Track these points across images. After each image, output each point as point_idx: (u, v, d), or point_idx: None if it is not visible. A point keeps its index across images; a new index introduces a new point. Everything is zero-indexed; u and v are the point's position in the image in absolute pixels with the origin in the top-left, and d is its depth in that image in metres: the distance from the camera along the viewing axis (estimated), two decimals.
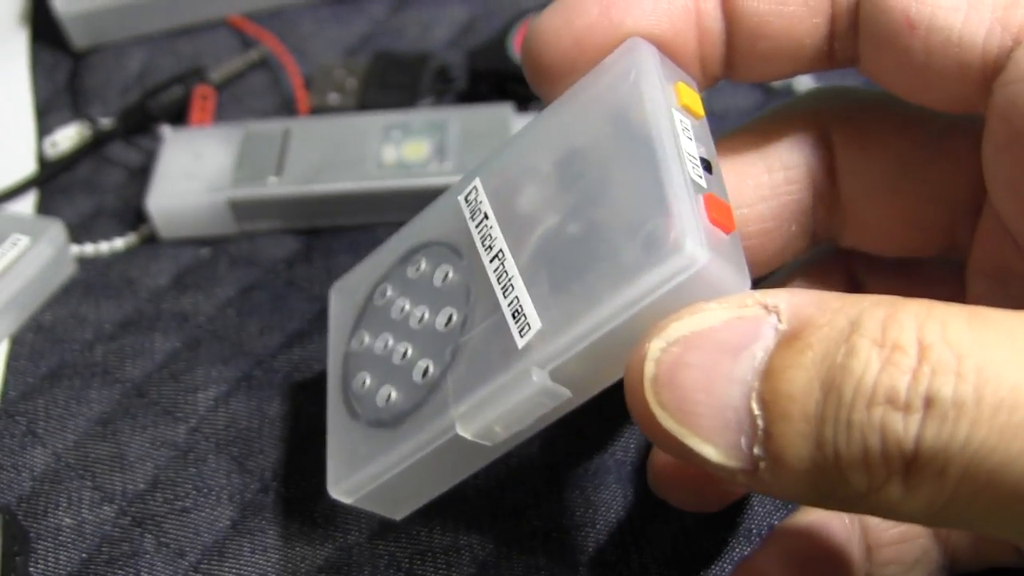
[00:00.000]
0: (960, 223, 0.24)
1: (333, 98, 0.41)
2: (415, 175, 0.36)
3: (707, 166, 0.21)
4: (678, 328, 0.19)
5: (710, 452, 0.18)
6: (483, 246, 0.23)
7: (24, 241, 0.36)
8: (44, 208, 0.40)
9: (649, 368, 0.19)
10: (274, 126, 0.38)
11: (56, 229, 0.37)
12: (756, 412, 0.18)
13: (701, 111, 0.22)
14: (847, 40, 0.22)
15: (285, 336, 0.34)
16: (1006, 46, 0.20)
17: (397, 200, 0.36)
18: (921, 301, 0.17)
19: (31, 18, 0.47)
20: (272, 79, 0.43)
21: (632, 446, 0.30)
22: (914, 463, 0.17)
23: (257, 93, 0.43)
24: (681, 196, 0.19)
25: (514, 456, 0.30)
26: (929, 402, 0.16)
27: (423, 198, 0.36)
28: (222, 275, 0.36)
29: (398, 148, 0.37)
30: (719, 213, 0.20)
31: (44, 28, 0.46)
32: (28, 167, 0.41)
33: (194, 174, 0.37)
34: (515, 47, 0.39)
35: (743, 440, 0.18)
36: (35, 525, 0.30)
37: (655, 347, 0.18)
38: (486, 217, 0.23)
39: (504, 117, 0.37)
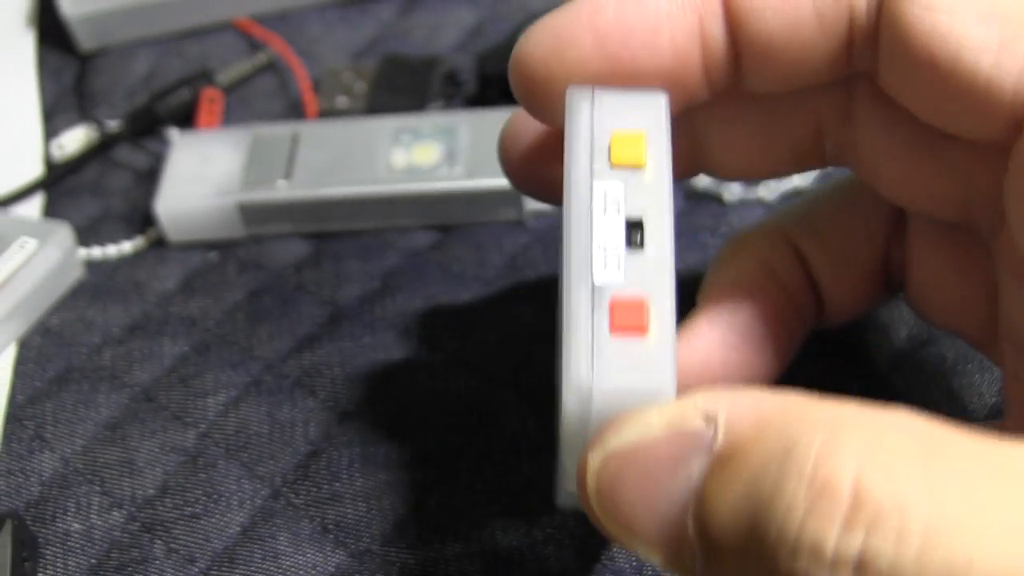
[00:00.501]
0: (977, 204, 0.23)
1: (341, 101, 0.40)
2: (425, 180, 0.36)
3: (635, 236, 0.20)
4: (615, 442, 0.18)
5: (658, 560, 0.18)
6: None
7: (31, 244, 0.36)
8: (51, 211, 0.40)
9: (591, 482, 0.18)
10: (283, 129, 0.38)
11: (64, 232, 0.36)
12: (691, 533, 0.17)
13: (642, 159, 0.20)
14: (865, 57, 0.21)
15: (295, 340, 0.34)
16: None
17: (407, 205, 0.36)
18: (871, 425, 0.16)
19: (38, 20, 0.47)
20: (280, 82, 0.43)
21: None
22: None
23: (265, 96, 0.42)
24: (575, 324, 0.19)
25: (526, 463, 0.30)
26: (861, 566, 0.14)
27: (433, 203, 0.36)
28: (231, 279, 0.36)
29: (408, 152, 0.36)
30: (628, 317, 0.19)
31: (51, 30, 0.46)
32: (35, 170, 0.41)
33: (202, 177, 0.37)
34: None
35: (686, 552, 0.17)
36: (43, 530, 0.30)
37: (594, 461, 0.18)
38: None
39: None
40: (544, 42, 0.21)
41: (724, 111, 0.24)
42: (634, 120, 0.21)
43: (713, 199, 0.36)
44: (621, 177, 0.20)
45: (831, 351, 0.31)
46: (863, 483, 0.15)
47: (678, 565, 0.18)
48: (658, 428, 0.18)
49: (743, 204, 0.36)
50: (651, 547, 0.18)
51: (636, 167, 0.20)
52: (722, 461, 0.17)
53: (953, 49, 0.19)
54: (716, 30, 0.21)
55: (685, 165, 0.24)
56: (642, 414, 0.18)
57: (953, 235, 0.24)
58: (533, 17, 0.40)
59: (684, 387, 0.25)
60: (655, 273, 0.20)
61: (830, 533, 0.15)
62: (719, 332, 0.25)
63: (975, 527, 0.14)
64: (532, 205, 0.36)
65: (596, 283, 0.19)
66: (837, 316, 0.27)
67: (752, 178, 0.33)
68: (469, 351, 0.32)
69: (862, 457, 0.15)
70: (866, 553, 0.14)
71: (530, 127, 0.25)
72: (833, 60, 0.21)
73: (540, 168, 0.25)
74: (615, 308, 0.19)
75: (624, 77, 0.21)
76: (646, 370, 0.19)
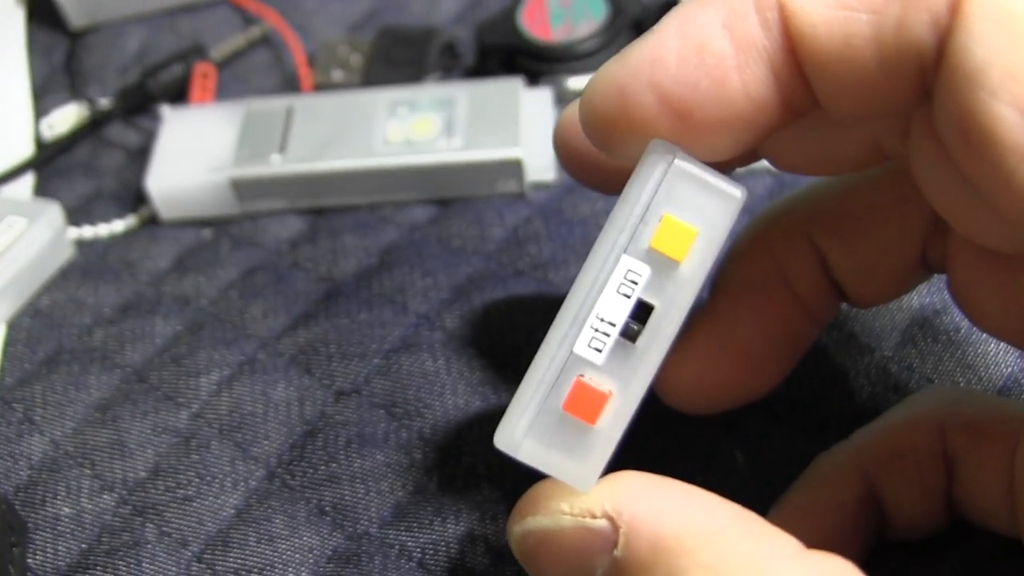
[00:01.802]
0: None
1: (337, 75, 0.39)
2: (423, 152, 0.35)
3: (634, 327, 0.19)
4: (532, 522, 0.19)
5: None
6: None
7: (20, 223, 0.35)
8: (42, 191, 0.39)
9: (513, 546, 0.20)
10: (277, 103, 0.37)
11: (53, 212, 0.35)
12: None
13: (681, 255, 0.19)
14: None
15: (290, 318, 0.33)
16: None
17: (404, 178, 0.35)
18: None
19: None
20: (274, 56, 0.42)
21: (659, 448, 0.29)
22: None
23: (259, 71, 0.41)
24: (535, 379, 0.19)
25: None
26: None
27: (431, 176, 0.35)
28: (224, 257, 0.35)
29: (405, 125, 0.35)
30: (584, 404, 0.19)
31: (40, 7, 0.45)
32: (25, 149, 0.40)
33: (195, 153, 0.36)
34: (524, 21, 0.38)
35: None
36: (33, 515, 0.29)
37: (516, 531, 0.20)
38: None
39: (514, 92, 0.36)
40: (610, 97, 0.20)
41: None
42: (696, 210, 0.19)
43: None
44: (653, 262, 0.19)
45: (843, 322, 0.30)
46: None
47: None
48: (567, 520, 0.19)
49: (750, 173, 0.35)
50: None
51: (673, 260, 0.19)
52: (619, 570, 0.18)
53: (982, 134, 0.17)
54: (787, 72, 0.19)
55: (739, 157, 0.22)
56: (554, 501, 0.19)
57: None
58: None
59: (678, 395, 0.25)
60: (634, 372, 0.19)
61: None
62: (719, 342, 0.25)
63: None
64: (533, 177, 0.35)
65: (575, 351, 0.19)
66: (862, 306, 0.27)
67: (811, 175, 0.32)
68: (470, 329, 0.31)
69: None
70: None
71: None
72: (902, 102, 0.19)
73: (598, 160, 0.24)
74: (577, 387, 0.19)
75: (695, 132, 0.19)
76: (578, 455, 0.19)
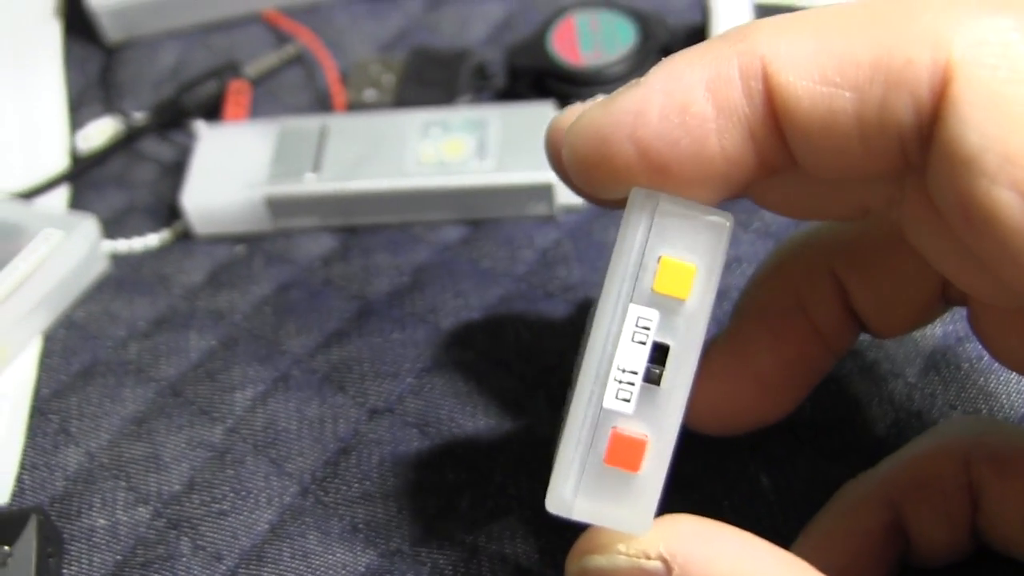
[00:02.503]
0: None
1: (369, 94, 0.40)
2: (455, 173, 0.35)
3: (655, 371, 0.20)
4: (589, 561, 0.20)
5: None
6: None
7: (57, 236, 0.35)
8: (76, 203, 0.39)
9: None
10: (311, 122, 0.38)
11: (89, 225, 0.36)
12: None
13: (685, 293, 0.20)
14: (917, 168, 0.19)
15: (323, 335, 0.33)
16: None
17: (437, 198, 0.35)
18: None
19: (63, 11, 0.47)
20: (307, 75, 0.42)
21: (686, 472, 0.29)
22: None
23: (292, 89, 0.42)
24: (573, 440, 0.20)
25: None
26: None
27: (463, 197, 0.35)
28: (258, 273, 0.35)
29: (438, 146, 0.36)
30: (624, 453, 0.20)
31: (76, 21, 0.46)
32: (60, 162, 0.41)
33: (230, 170, 0.37)
34: (555, 45, 0.39)
35: None
36: (68, 526, 0.30)
37: (573, 569, 0.21)
38: None
39: (545, 115, 0.36)
40: (592, 144, 0.20)
41: (770, 181, 0.23)
42: (690, 246, 0.20)
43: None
44: (659, 305, 0.20)
45: (866, 349, 0.30)
46: None
47: None
48: (623, 560, 0.20)
49: None
50: None
51: (678, 299, 0.20)
52: None
53: (983, 217, 0.17)
54: (767, 138, 0.20)
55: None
56: (612, 541, 0.20)
57: None
58: (563, 11, 0.39)
59: (696, 417, 0.25)
60: (664, 412, 0.20)
61: None
62: (736, 368, 0.26)
63: None
64: (563, 200, 0.35)
65: (604, 406, 0.20)
66: (883, 337, 0.27)
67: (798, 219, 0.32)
68: (501, 350, 0.32)
69: None
70: None
71: None
72: (882, 172, 0.20)
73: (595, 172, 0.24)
74: (615, 440, 0.20)
75: (672, 184, 0.20)
76: (629, 504, 0.20)
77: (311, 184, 0.36)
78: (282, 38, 0.44)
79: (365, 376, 0.32)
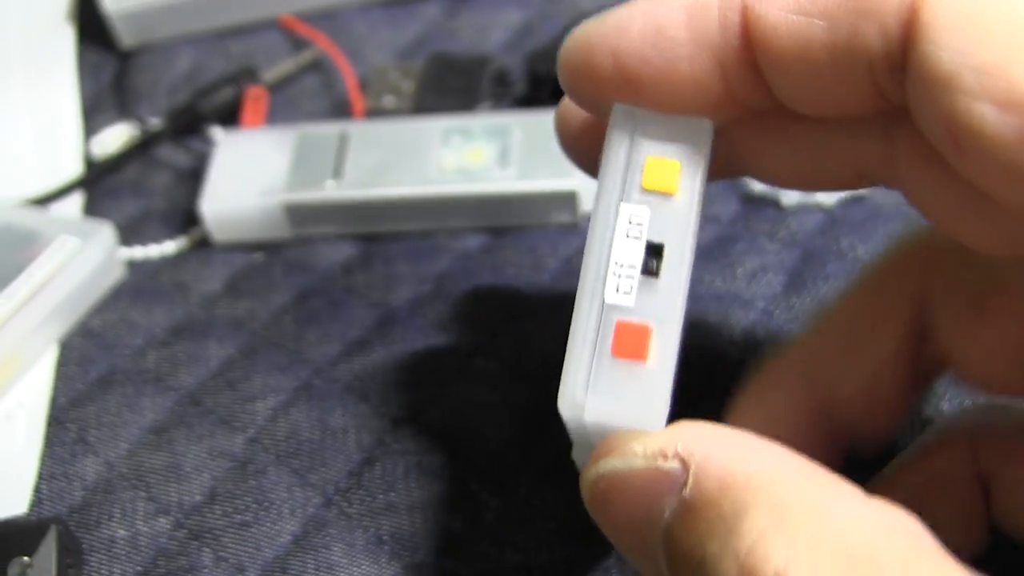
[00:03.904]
0: None
1: (388, 101, 0.40)
2: (477, 181, 0.35)
3: (652, 263, 0.20)
4: (603, 465, 0.20)
5: (637, 568, 0.20)
6: None
7: (73, 243, 0.35)
8: (91, 210, 0.39)
9: (585, 493, 0.20)
10: (330, 129, 0.37)
11: (106, 232, 0.36)
12: (661, 559, 0.19)
13: (673, 187, 0.21)
14: (900, 95, 0.20)
15: (344, 345, 0.33)
16: None
17: (459, 206, 0.35)
18: (816, 521, 0.17)
19: (77, 16, 0.46)
20: (325, 81, 0.42)
21: None
22: None
23: (310, 95, 0.42)
24: (579, 340, 0.20)
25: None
26: None
27: (485, 205, 0.35)
28: (277, 281, 0.35)
29: (459, 153, 0.36)
30: (630, 342, 0.20)
31: (90, 26, 0.45)
32: (74, 168, 0.40)
33: (248, 177, 0.36)
34: None
35: (661, 570, 0.19)
36: (88, 537, 0.29)
37: (589, 476, 0.20)
38: None
39: None
40: (579, 52, 0.21)
41: (763, 129, 0.24)
42: (672, 146, 0.21)
43: (771, 203, 0.35)
44: (649, 202, 0.21)
45: None
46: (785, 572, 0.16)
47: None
48: (639, 460, 0.19)
49: (802, 209, 0.35)
50: (632, 558, 0.20)
51: (666, 194, 0.21)
52: (687, 509, 0.18)
53: (969, 136, 0.18)
54: (736, 69, 0.21)
55: (724, 167, 0.23)
56: (628, 443, 0.19)
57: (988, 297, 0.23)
58: (583, 16, 0.39)
59: None
60: (665, 302, 0.20)
61: None
62: None
63: None
64: (587, 207, 0.35)
65: (607, 302, 0.20)
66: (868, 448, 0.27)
67: (796, 189, 0.33)
68: (526, 361, 0.31)
69: (791, 553, 0.16)
70: None
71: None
72: (863, 99, 0.20)
73: (594, 144, 0.25)
74: (619, 329, 0.20)
75: (645, 100, 0.21)
76: (641, 395, 0.20)
77: (332, 191, 0.35)
78: (299, 44, 0.43)
79: (388, 386, 0.31)
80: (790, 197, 0.35)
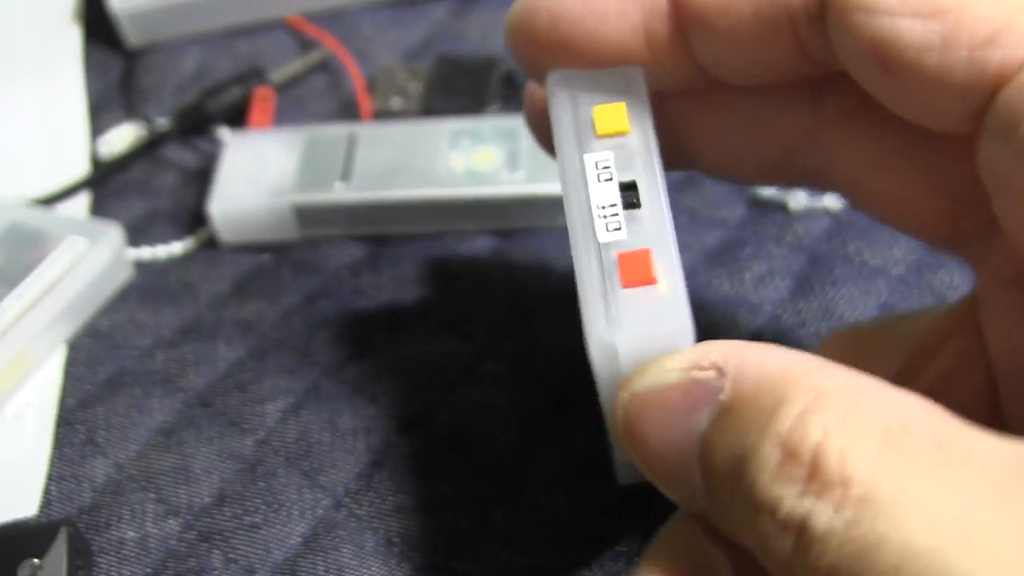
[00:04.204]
0: (963, 216, 0.23)
1: (396, 102, 0.40)
2: (486, 183, 0.35)
3: (631, 198, 0.21)
4: (638, 384, 0.20)
5: (672, 495, 0.20)
6: None
7: (81, 244, 0.35)
8: (97, 210, 0.39)
9: (619, 416, 0.20)
10: (339, 130, 0.37)
11: (114, 232, 0.36)
12: (697, 475, 0.19)
13: (625, 126, 0.22)
14: (821, 49, 0.21)
15: (353, 346, 0.33)
16: (985, 92, 0.19)
17: (468, 209, 0.35)
18: (853, 397, 0.17)
19: (84, 15, 0.46)
20: (332, 82, 0.42)
21: None
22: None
23: (317, 96, 0.42)
24: (588, 284, 0.21)
25: (594, 486, 0.29)
26: (803, 529, 0.16)
27: (494, 207, 0.35)
28: (286, 282, 0.35)
29: (468, 156, 0.36)
30: (636, 269, 0.20)
31: (97, 25, 0.45)
32: (81, 168, 0.40)
33: (257, 178, 0.36)
34: None
35: (694, 491, 0.19)
36: (97, 538, 0.29)
37: (622, 399, 0.20)
38: None
39: None
40: (518, 14, 0.23)
41: (699, 109, 0.25)
42: (613, 93, 0.22)
43: (778, 208, 0.35)
44: (608, 146, 0.22)
45: None
46: (822, 452, 0.16)
47: (687, 502, 0.20)
48: (675, 374, 0.19)
49: (809, 213, 0.35)
50: (668, 484, 0.20)
51: (621, 134, 0.22)
52: (725, 411, 0.18)
53: (897, 53, 0.19)
54: (662, 30, 0.22)
55: (669, 158, 0.24)
56: (663, 360, 0.19)
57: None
58: None
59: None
60: (654, 228, 0.21)
61: (786, 496, 0.16)
62: None
63: (912, 509, 0.15)
64: None
65: (601, 242, 0.21)
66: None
67: (735, 182, 0.33)
68: (535, 363, 0.31)
69: (831, 426, 0.16)
70: (809, 518, 0.16)
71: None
72: (788, 53, 0.21)
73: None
74: (622, 263, 0.20)
75: (577, 59, 0.22)
76: (662, 315, 0.20)
77: (340, 193, 0.35)
78: (306, 44, 0.43)
79: (397, 387, 0.31)
80: (798, 201, 0.35)
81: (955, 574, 0.14)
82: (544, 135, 0.27)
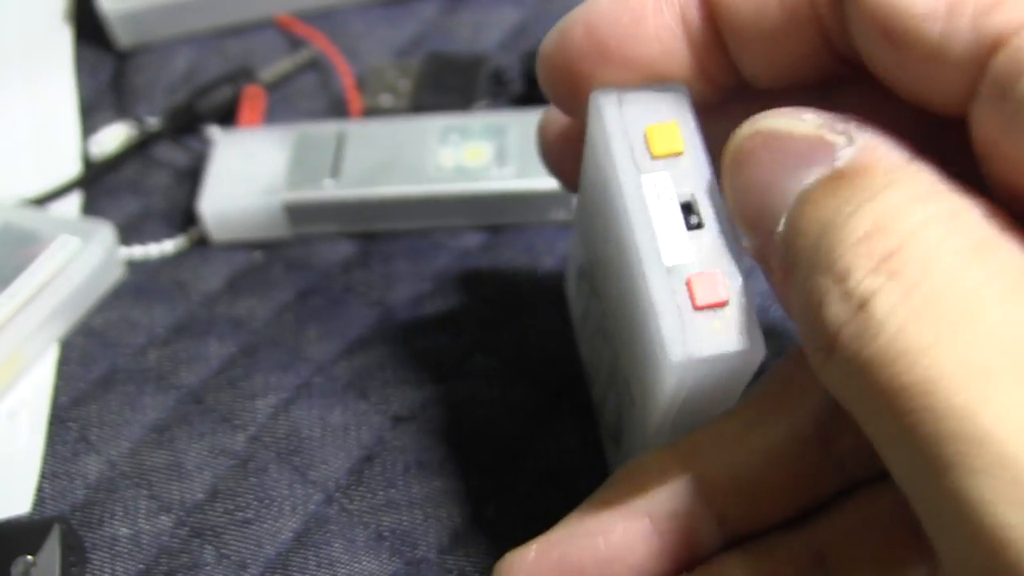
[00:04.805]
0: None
1: (385, 100, 0.40)
2: (475, 180, 0.35)
3: (692, 218, 0.21)
4: (767, 123, 0.19)
5: (748, 236, 0.20)
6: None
7: (73, 243, 0.35)
8: (89, 209, 0.39)
9: (732, 145, 0.20)
10: (328, 128, 0.37)
11: (106, 231, 0.36)
12: (781, 229, 0.19)
13: (679, 146, 0.22)
14: (843, 36, 0.21)
15: (345, 343, 0.33)
16: (982, 60, 0.18)
17: (457, 205, 0.35)
18: (962, 206, 0.17)
19: (75, 16, 0.46)
20: (322, 80, 0.42)
21: None
22: (832, 348, 0.17)
23: (307, 94, 0.42)
24: (660, 307, 0.20)
25: (584, 481, 0.29)
26: (865, 305, 0.16)
27: (484, 203, 0.35)
28: (277, 279, 0.35)
29: (457, 152, 0.36)
30: (706, 291, 0.20)
31: (88, 26, 0.45)
32: (72, 167, 0.40)
33: (247, 176, 0.36)
34: None
35: (769, 243, 0.19)
36: (90, 535, 0.29)
37: (743, 131, 0.20)
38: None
39: None
40: (552, 39, 0.22)
41: (711, 121, 0.24)
42: (662, 113, 0.22)
43: None
44: (664, 167, 0.21)
45: None
46: (914, 238, 0.16)
47: (756, 249, 0.20)
48: (806, 125, 0.19)
49: None
50: (747, 223, 0.20)
51: (676, 155, 0.21)
52: (836, 177, 0.18)
53: (901, 22, 0.19)
54: (697, 22, 0.22)
55: None
56: (799, 109, 0.19)
57: None
58: None
59: None
60: (718, 248, 0.21)
61: (861, 267, 0.17)
62: None
63: (980, 326, 0.15)
64: None
65: (667, 265, 0.20)
66: None
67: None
68: (526, 359, 0.32)
69: (931, 220, 0.17)
70: (875, 295, 0.16)
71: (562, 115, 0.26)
72: (813, 44, 0.21)
73: (569, 152, 0.26)
74: (692, 283, 0.20)
75: (616, 67, 0.22)
76: (735, 336, 0.20)
77: (331, 190, 0.35)
78: (295, 43, 0.43)
79: (388, 383, 0.32)
80: None
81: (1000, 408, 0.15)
82: (562, 164, 0.27)
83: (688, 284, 0.20)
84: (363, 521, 0.29)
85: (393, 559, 0.28)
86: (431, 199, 0.35)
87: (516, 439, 0.30)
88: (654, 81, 0.22)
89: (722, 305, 0.20)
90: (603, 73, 0.22)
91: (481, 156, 0.36)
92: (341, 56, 0.41)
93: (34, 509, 0.30)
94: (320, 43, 0.42)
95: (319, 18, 0.44)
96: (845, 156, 0.18)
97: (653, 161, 0.21)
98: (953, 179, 0.18)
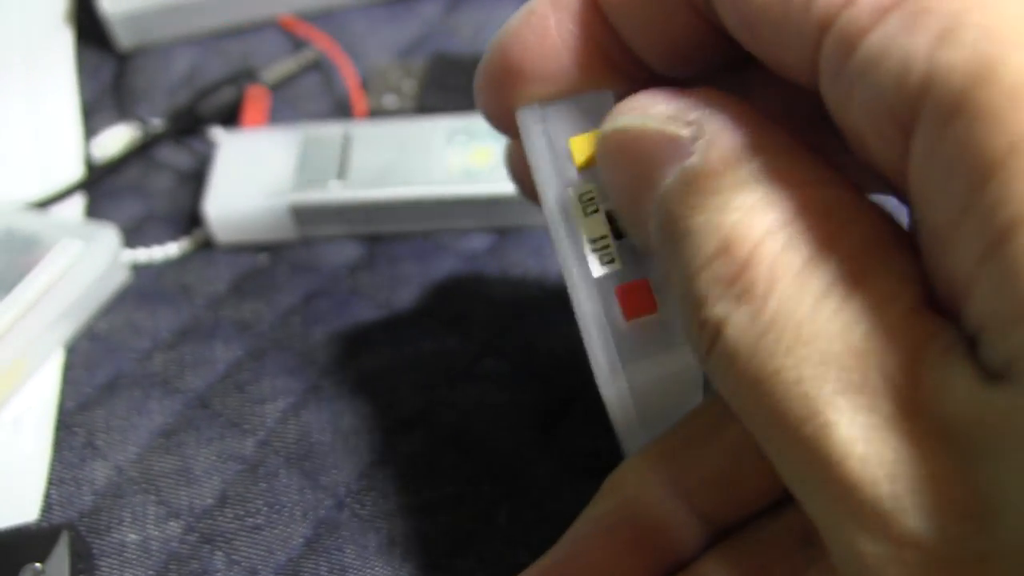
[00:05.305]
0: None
1: (390, 100, 0.39)
2: (482, 181, 0.35)
3: (618, 228, 0.21)
4: (621, 119, 0.19)
5: (633, 238, 0.20)
6: None
7: (76, 246, 0.35)
8: (92, 212, 0.39)
9: (599, 145, 0.20)
10: (334, 129, 0.37)
11: (109, 234, 0.35)
12: (654, 229, 0.18)
13: None
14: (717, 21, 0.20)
15: (352, 345, 0.33)
16: (817, 38, 0.18)
17: (464, 207, 0.35)
18: (790, 206, 0.17)
19: (75, 17, 0.46)
20: (325, 81, 0.42)
21: None
22: (705, 361, 0.17)
23: (310, 95, 0.41)
24: (589, 321, 0.21)
25: (597, 479, 0.29)
26: (716, 335, 0.16)
27: (491, 205, 0.35)
28: (283, 282, 0.35)
29: (464, 154, 0.36)
30: (635, 301, 0.20)
31: (88, 28, 0.45)
32: (75, 170, 0.40)
33: (252, 178, 0.36)
34: None
35: (650, 235, 0.19)
36: (98, 541, 0.29)
37: (606, 126, 0.20)
38: None
39: None
40: (479, 67, 0.23)
41: None
42: (585, 122, 0.21)
43: None
44: (590, 177, 0.21)
45: None
46: (755, 254, 0.16)
47: (644, 248, 0.20)
48: (652, 122, 0.19)
49: None
50: (627, 223, 0.20)
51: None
52: (689, 176, 0.18)
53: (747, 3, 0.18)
54: (594, 24, 0.21)
55: None
56: (650, 103, 0.19)
57: None
58: None
59: None
60: (646, 256, 0.21)
61: (711, 296, 0.17)
62: None
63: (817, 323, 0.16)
64: None
65: (596, 276, 0.20)
66: None
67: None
68: (536, 362, 0.31)
69: (768, 229, 0.16)
70: (726, 325, 0.16)
71: None
72: (695, 26, 0.21)
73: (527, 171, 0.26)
74: (621, 293, 0.20)
75: (536, 84, 0.22)
76: (669, 342, 0.20)
77: (337, 192, 0.35)
78: (298, 44, 0.43)
79: (397, 386, 0.31)
80: None
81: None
82: (527, 185, 0.27)
83: (618, 294, 0.20)
84: (375, 526, 0.28)
85: (405, 564, 0.28)
86: (438, 201, 0.35)
87: (527, 442, 0.30)
88: (579, 91, 0.22)
89: (653, 311, 0.20)
90: (526, 92, 0.22)
91: (488, 157, 0.35)
92: (344, 56, 0.41)
93: (42, 516, 0.30)
94: (323, 43, 0.42)
95: (321, 18, 0.44)
96: (698, 150, 0.18)
97: (579, 173, 0.21)
98: (806, 153, 0.18)
